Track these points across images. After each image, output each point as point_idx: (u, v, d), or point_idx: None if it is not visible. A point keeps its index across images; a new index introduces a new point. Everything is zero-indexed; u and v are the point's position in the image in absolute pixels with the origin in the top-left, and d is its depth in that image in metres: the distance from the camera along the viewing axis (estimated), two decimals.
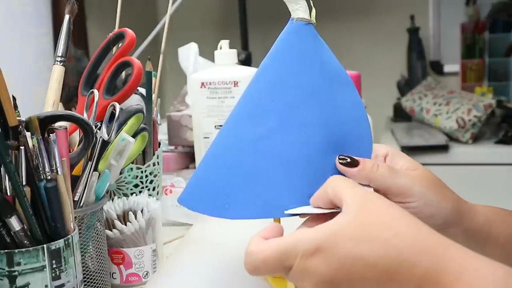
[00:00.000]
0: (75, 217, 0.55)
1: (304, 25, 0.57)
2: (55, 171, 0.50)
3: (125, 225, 0.66)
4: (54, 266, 0.48)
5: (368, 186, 0.54)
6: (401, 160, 0.57)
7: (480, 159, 2.28)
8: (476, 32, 2.83)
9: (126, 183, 0.78)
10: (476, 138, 2.38)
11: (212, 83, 0.99)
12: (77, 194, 0.58)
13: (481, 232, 0.55)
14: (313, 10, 0.57)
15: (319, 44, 0.58)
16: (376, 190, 0.54)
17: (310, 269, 0.43)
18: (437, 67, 2.96)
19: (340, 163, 0.54)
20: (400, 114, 2.74)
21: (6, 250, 0.46)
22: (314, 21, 0.57)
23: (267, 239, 0.47)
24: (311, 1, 0.57)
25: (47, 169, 0.49)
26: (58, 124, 0.53)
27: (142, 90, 0.81)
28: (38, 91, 1.53)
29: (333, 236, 0.43)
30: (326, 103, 0.56)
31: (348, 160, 0.54)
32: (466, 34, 2.86)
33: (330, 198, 0.48)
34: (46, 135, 0.51)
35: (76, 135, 0.66)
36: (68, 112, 0.54)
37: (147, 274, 0.67)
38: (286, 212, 0.52)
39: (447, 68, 2.95)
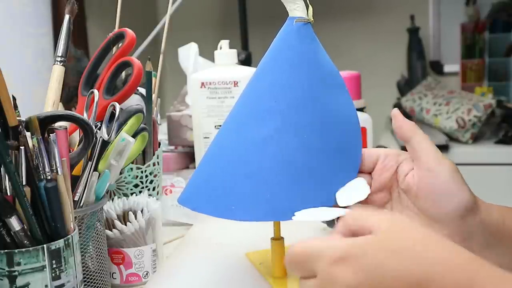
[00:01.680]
0: (75, 217, 0.55)
1: (303, 25, 0.57)
2: (55, 171, 0.50)
3: (125, 225, 0.66)
4: (54, 266, 0.48)
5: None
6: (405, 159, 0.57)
7: (480, 159, 2.27)
8: (476, 32, 2.83)
9: (126, 183, 0.78)
10: (476, 138, 2.38)
11: (212, 83, 0.99)
12: (77, 194, 0.58)
13: (495, 226, 0.55)
14: (310, 8, 0.57)
15: (317, 45, 0.58)
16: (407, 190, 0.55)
17: (335, 276, 0.41)
18: (437, 67, 2.95)
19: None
20: None
21: (6, 250, 0.46)
22: (312, 19, 0.57)
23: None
24: (307, 0, 0.57)
25: (47, 169, 0.49)
26: (58, 124, 0.53)
27: (142, 90, 0.81)
28: (38, 91, 1.53)
29: (359, 246, 0.41)
30: (324, 105, 0.56)
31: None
32: (466, 34, 2.85)
33: (354, 230, 0.44)
34: (46, 135, 0.51)
35: (76, 135, 0.66)
36: (68, 112, 0.54)
37: (147, 274, 0.67)
38: (294, 218, 0.52)
39: (447, 68, 2.95)
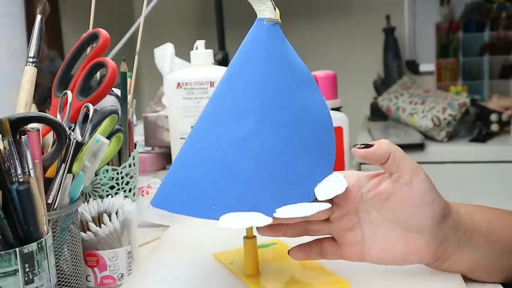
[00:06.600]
0: (49, 220, 0.54)
1: (273, 26, 0.58)
2: (27, 173, 0.49)
3: (100, 227, 0.65)
4: (27, 269, 0.47)
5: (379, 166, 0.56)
6: None
7: (455, 157, 2.30)
8: (451, 31, 2.86)
9: (101, 185, 0.77)
10: (451, 137, 2.41)
11: (188, 83, 0.99)
12: (50, 196, 0.57)
13: (464, 224, 0.57)
14: (277, 10, 0.58)
15: (286, 44, 0.59)
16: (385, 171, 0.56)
17: None
18: (413, 67, 2.98)
19: (359, 148, 0.56)
20: (377, 113, 2.75)
21: None
22: (280, 20, 0.58)
23: None
24: (273, 2, 0.58)
25: (19, 171, 0.48)
26: (31, 126, 0.52)
27: (117, 91, 0.80)
28: (11, 92, 1.50)
29: None
30: (297, 102, 0.57)
31: (364, 145, 0.56)
32: (440, 34, 2.89)
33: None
34: (18, 137, 0.50)
35: (50, 137, 0.65)
36: (40, 113, 0.54)
37: (122, 276, 0.66)
38: (275, 215, 0.52)
39: (422, 68, 2.98)
